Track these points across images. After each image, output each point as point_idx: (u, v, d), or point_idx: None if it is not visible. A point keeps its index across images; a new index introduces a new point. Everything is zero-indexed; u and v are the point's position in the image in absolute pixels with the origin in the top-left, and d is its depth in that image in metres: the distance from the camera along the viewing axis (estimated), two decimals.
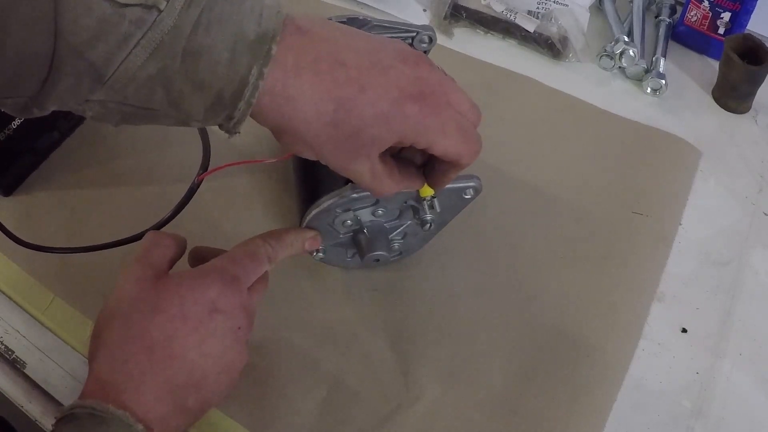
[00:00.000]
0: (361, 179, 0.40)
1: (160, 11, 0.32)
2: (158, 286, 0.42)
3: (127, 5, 0.32)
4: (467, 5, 0.74)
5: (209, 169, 0.60)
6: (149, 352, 0.40)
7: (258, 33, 0.34)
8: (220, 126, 0.37)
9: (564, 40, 0.72)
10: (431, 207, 0.48)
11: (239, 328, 0.43)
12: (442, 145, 0.39)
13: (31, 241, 0.57)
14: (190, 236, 0.47)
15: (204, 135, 0.62)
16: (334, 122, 0.37)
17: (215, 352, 0.41)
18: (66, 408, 0.38)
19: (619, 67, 0.70)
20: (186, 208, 0.59)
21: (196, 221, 0.59)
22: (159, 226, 0.57)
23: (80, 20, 0.32)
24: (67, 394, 0.51)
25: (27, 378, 0.52)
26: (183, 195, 0.59)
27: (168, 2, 0.32)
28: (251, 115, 0.37)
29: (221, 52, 0.34)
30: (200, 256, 0.46)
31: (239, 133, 0.37)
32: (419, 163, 0.45)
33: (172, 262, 0.45)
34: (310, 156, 0.39)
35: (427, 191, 0.46)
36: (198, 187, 0.59)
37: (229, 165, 0.50)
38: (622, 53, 0.69)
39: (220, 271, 0.43)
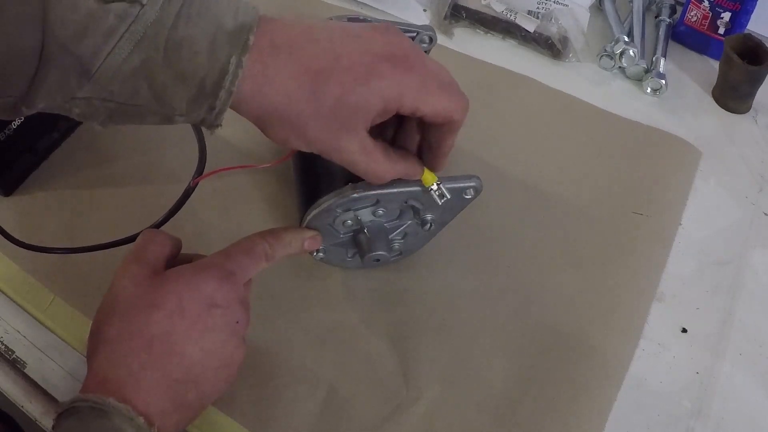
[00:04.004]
0: (353, 160, 0.40)
1: (142, 5, 0.34)
2: (155, 282, 0.42)
3: (111, 1, 0.33)
4: (467, 5, 0.75)
5: (204, 172, 0.60)
6: (148, 347, 0.40)
7: (235, 25, 0.36)
8: (203, 121, 0.38)
9: (564, 40, 0.72)
10: (442, 196, 0.46)
11: (237, 322, 0.43)
12: (429, 102, 0.39)
13: (31, 241, 0.58)
14: (187, 237, 0.48)
15: (200, 137, 0.62)
16: (314, 95, 0.37)
17: (214, 347, 0.42)
18: (67, 402, 0.39)
19: (619, 67, 0.70)
20: (184, 208, 0.59)
21: (194, 222, 0.59)
22: (155, 228, 0.57)
23: (67, 15, 0.33)
24: (68, 393, 0.51)
25: (27, 378, 0.52)
26: (179, 196, 0.59)
27: None
28: (235, 108, 0.37)
29: (201, 43, 0.35)
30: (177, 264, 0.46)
31: (221, 125, 0.38)
32: (414, 148, 0.45)
33: (168, 260, 0.45)
34: (298, 144, 0.39)
35: (429, 180, 0.45)
36: (193, 190, 0.59)
37: (222, 170, 0.50)
38: (622, 53, 0.69)
39: (217, 267, 0.43)
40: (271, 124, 0.38)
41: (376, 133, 0.41)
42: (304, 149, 0.40)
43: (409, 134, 0.44)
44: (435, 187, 0.46)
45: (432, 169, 0.45)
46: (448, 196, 0.46)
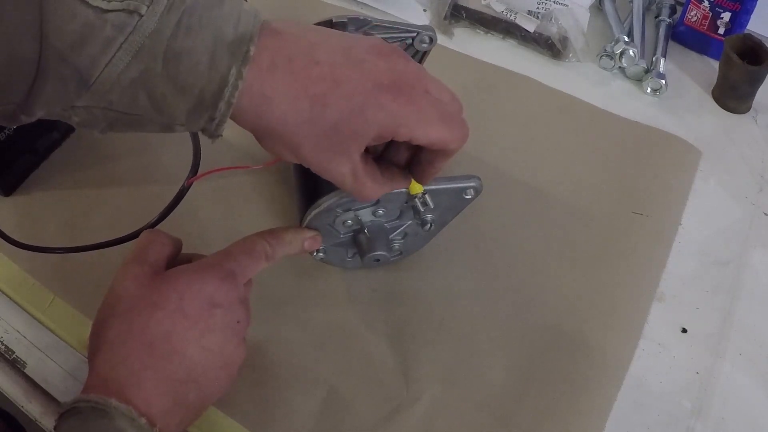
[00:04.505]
0: (342, 181, 0.40)
1: (141, 16, 0.33)
2: (156, 282, 0.42)
3: (109, 11, 0.33)
4: (467, 5, 0.75)
5: (199, 172, 0.60)
6: (150, 348, 0.40)
7: (236, 35, 0.35)
8: (203, 130, 0.38)
9: (564, 40, 0.72)
10: (424, 204, 0.47)
11: (238, 322, 0.43)
12: (425, 133, 0.39)
13: (30, 241, 0.57)
14: (187, 237, 0.48)
15: (195, 138, 0.62)
16: (310, 119, 0.37)
17: (215, 346, 0.42)
18: (69, 402, 0.39)
19: (619, 67, 0.70)
20: (184, 208, 0.59)
21: (194, 222, 0.59)
22: (150, 227, 0.57)
23: (65, 26, 0.33)
24: (67, 394, 0.51)
25: (27, 378, 0.52)
26: (174, 196, 0.59)
27: (149, 7, 0.33)
28: (232, 117, 0.37)
29: (201, 54, 0.35)
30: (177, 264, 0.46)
31: (221, 135, 0.38)
32: (403, 163, 0.45)
33: (169, 260, 0.45)
34: (291, 158, 0.39)
35: (416, 188, 0.46)
36: (187, 190, 0.59)
37: (216, 171, 0.50)
38: (622, 53, 0.69)
39: (217, 267, 0.44)
40: (266, 138, 0.38)
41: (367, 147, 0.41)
42: (296, 162, 0.40)
43: (400, 151, 0.44)
44: (420, 196, 0.46)
45: (418, 182, 0.45)
46: (431, 206, 0.47)
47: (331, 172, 0.39)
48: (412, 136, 0.39)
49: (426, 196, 0.47)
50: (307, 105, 0.37)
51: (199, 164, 0.61)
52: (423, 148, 0.42)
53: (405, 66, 0.39)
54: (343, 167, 0.39)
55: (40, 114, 0.36)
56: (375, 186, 0.42)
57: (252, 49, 0.35)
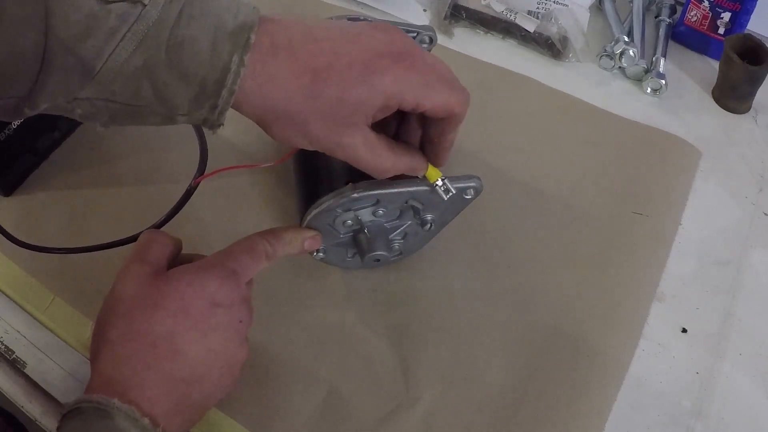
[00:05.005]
0: (356, 155, 0.40)
1: (144, 5, 0.34)
2: (157, 282, 0.42)
3: (112, 1, 0.34)
4: (467, 5, 0.75)
5: (206, 172, 0.60)
6: (152, 347, 0.40)
7: (236, 24, 0.36)
8: (205, 121, 0.38)
9: (564, 40, 0.72)
10: (447, 191, 0.46)
11: (240, 321, 0.43)
12: (431, 97, 0.39)
13: (31, 241, 0.58)
14: (188, 237, 0.48)
15: (202, 137, 0.63)
16: (314, 93, 0.37)
17: (217, 346, 0.42)
18: (71, 403, 0.38)
19: (619, 67, 0.70)
20: (185, 208, 0.59)
21: (195, 222, 0.59)
22: (156, 228, 0.57)
23: (70, 17, 0.33)
24: (67, 394, 0.51)
25: (27, 378, 0.52)
26: (181, 196, 0.59)
27: None
28: (236, 107, 0.37)
29: (203, 42, 0.35)
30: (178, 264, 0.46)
31: (223, 125, 0.38)
32: (416, 145, 0.45)
33: (170, 260, 0.45)
34: (301, 142, 0.39)
35: (433, 176, 0.45)
36: (194, 189, 0.59)
37: (224, 169, 0.50)
38: (622, 53, 0.69)
39: (219, 266, 0.43)
40: (273, 123, 0.38)
41: (378, 129, 0.41)
42: (307, 147, 0.40)
43: (410, 130, 0.44)
44: (440, 182, 0.46)
45: (434, 164, 0.45)
46: (453, 192, 0.46)
47: (344, 147, 0.39)
48: (418, 101, 0.39)
49: (446, 180, 0.46)
50: (310, 79, 0.37)
51: (206, 164, 0.61)
52: (431, 122, 0.42)
53: (401, 38, 0.40)
54: (355, 139, 0.39)
55: (43, 107, 0.36)
56: (393, 156, 0.41)
57: (252, 37, 0.36)
